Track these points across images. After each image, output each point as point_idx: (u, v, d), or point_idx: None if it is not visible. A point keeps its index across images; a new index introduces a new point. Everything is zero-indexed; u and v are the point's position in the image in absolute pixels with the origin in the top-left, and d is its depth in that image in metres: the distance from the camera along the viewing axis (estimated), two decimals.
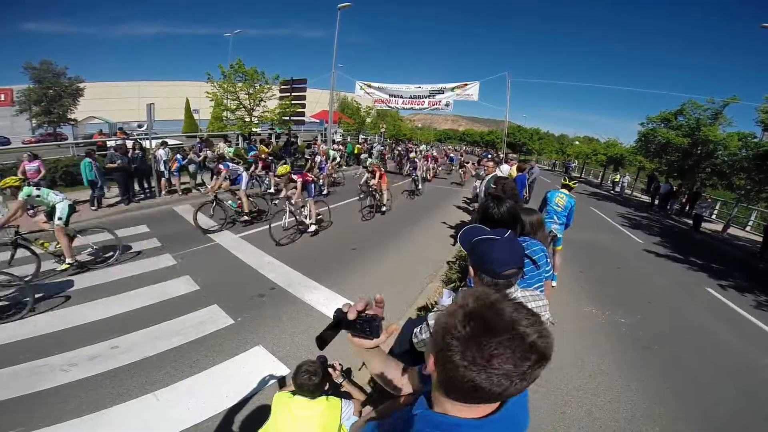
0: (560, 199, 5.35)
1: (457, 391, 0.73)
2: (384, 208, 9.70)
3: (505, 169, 8.77)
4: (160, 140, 12.48)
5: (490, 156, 9.68)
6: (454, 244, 7.58)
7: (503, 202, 1.92)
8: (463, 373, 0.68)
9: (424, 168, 16.83)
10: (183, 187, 10.80)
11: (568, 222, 5.43)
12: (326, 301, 4.74)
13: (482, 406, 0.75)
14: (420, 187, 13.17)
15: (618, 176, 26.00)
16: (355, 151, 19.55)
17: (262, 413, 2.79)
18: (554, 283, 5.51)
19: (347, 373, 1.98)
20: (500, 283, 1.34)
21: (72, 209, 5.25)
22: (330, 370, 2.11)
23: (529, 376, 0.68)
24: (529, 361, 0.67)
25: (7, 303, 4.15)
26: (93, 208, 8.51)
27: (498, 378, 0.66)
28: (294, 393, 1.91)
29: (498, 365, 0.66)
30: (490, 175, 6.38)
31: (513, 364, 0.66)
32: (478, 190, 9.31)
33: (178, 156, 10.74)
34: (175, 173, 10.63)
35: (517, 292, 1.39)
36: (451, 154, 23.84)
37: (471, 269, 1.43)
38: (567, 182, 5.56)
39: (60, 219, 5.02)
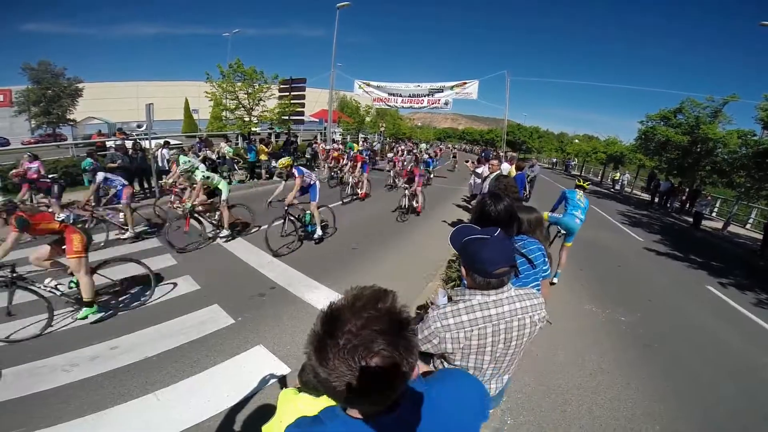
0: (581, 196, 5.52)
1: (318, 385, 0.74)
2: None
3: (506, 168, 8.77)
4: (162, 140, 12.50)
5: (492, 155, 9.63)
6: None
7: (500, 200, 1.91)
8: (312, 368, 0.71)
9: (351, 178, 11.10)
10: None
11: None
12: (327, 301, 4.59)
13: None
14: (318, 231, 6.85)
15: (618, 174, 26.00)
16: (355, 150, 19.50)
17: (264, 412, 2.79)
18: (555, 280, 5.53)
19: None
20: (492, 282, 1.34)
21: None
22: None
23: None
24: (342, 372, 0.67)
25: None
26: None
27: (334, 381, 0.68)
28: (299, 390, 1.91)
29: (333, 367, 0.67)
30: (495, 173, 6.37)
31: (347, 368, 0.67)
32: (474, 189, 9.30)
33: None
34: None
35: (510, 291, 1.39)
36: (426, 155, 16.74)
37: (463, 269, 1.43)
38: (581, 183, 5.73)
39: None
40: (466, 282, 1.45)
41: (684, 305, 5.95)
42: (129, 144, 10.63)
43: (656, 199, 19.38)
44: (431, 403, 0.83)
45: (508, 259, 1.34)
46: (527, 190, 9.68)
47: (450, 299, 1.50)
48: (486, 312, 1.35)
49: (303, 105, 18.78)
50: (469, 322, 1.34)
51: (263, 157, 13.81)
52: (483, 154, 11.45)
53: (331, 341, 0.68)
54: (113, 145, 11.32)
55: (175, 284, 4.94)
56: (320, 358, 0.69)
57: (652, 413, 3.24)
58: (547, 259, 2.13)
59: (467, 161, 9.78)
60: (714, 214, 16.79)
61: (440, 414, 0.84)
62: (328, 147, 16.58)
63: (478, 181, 8.35)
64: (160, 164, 10.73)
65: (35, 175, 8.12)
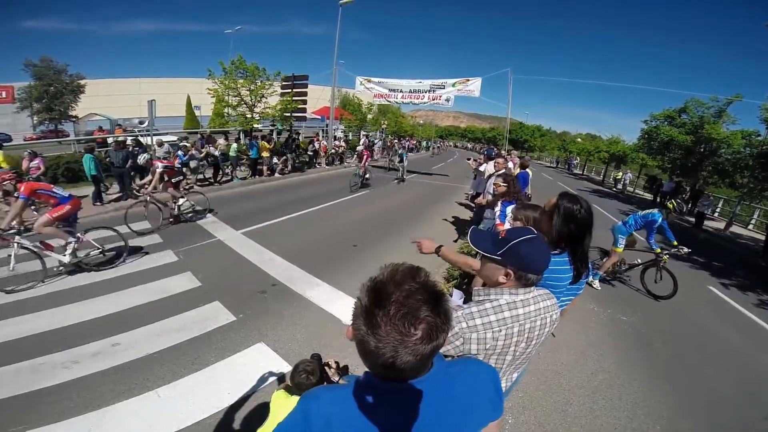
0: (649, 210, 6.05)
1: (361, 354, 0.80)
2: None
3: (509, 166, 8.73)
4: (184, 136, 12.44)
5: (494, 152, 9.57)
6: (455, 240, 7.57)
7: (578, 200, 1.93)
8: (361, 338, 0.76)
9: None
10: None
11: (650, 237, 5.96)
12: (328, 298, 4.74)
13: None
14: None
15: (620, 173, 25.92)
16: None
17: (264, 410, 2.78)
18: (597, 283, 6.01)
19: (344, 371, 1.98)
20: (531, 278, 1.36)
21: None
22: (325, 368, 2.10)
23: (412, 350, 0.73)
24: (410, 336, 0.73)
25: None
26: (97, 203, 8.54)
27: (384, 347, 0.73)
28: (291, 392, 1.91)
29: (384, 334, 0.73)
30: (501, 171, 6.34)
31: (398, 333, 0.73)
32: (476, 187, 9.25)
33: (180, 153, 10.75)
34: None
35: (535, 291, 1.40)
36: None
37: (504, 271, 1.38)
38: (668, 205, 6.12)
39: None
40: (488, 284, 1.44)
41: (685, 305, 5.93)
42: (129, 140, 10.60)
43: (658, 199, 19.31)
44: (449, 379, 0.90)
45: (549, 259, 1.38)
46: (529, 188, 9.64)
47: (467, 300, 1.49)
48: (514, 312, 1.34)
49: (305, 102, 18.74)
50: (497, 322, 1.32)
51: (265, 154, 13.82)
52: (485, 152, 11.41)
53: (380, 311, 0.74)
54: (112, 142, 11.35)
55: (175, 280, 4.97)
56: (371, 326, 0.74)
57: (653, 413, 3.23)
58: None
59: (469, 159, 9.75)
60: (716, 215, 16.72)
61: (455, 391, 0.90)
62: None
63: (481, 179, 8.31)
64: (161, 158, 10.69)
65: (36, 172, 8.15)
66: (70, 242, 4.95)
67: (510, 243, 1.37)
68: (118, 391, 2.96)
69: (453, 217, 9.69)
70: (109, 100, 37.02)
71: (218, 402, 2.90)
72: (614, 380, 3.64)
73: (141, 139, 12.34)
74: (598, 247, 6.29)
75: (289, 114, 18.10)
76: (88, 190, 8.86)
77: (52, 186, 5.07)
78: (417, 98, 20.51)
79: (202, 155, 11.73)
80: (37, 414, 2.69)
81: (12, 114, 30.14)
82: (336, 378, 2.12)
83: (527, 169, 8.76)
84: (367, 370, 0.85)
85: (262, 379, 3.16)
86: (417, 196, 12.67)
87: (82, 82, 29.60)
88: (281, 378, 3.22)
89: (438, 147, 43.89)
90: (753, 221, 15.15)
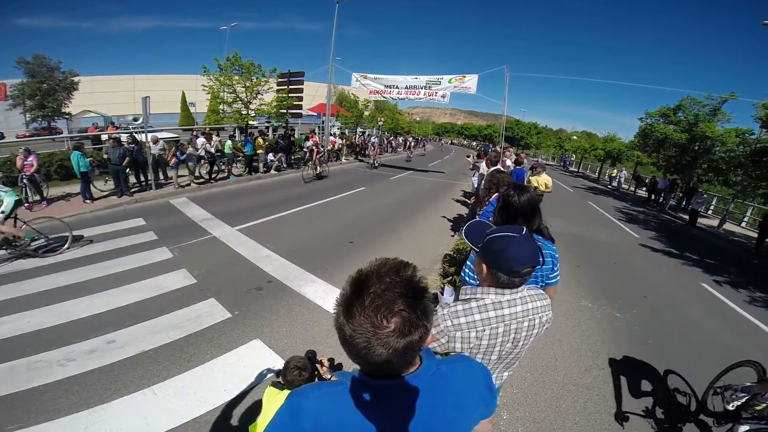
0: None
1: (341, 342, 0.80)
2: None
3: (507, 164, 8.74)
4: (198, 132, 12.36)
5: (491, 150, 9.55)
6: (453, 236, 7.60)
7: (524, 191, 1.91)
8: (339, 326, 0.78)
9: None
10: (182, 180, 10.84)
11: None
12: (324, 294, 4.74)
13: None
14: None
15: (615, 171, 26.10)
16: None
17: (260, 407, 2.80)
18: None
19: (337, 369, 1.98)
20: (515, 281, 1.30)
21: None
22: (317, 366, 2.11)
23: (384, 342, 0.74)
24: (383, 329, 0.74)
25: None
26: (87, 201, 8.45)
27: (358, 337, 0.74)
28: (283, 388, 1.92)
29: (358, 324, 0.75)
30: (493, 168, 6.35)
31: (371, 324, 0.74)
32: (475, 185, 9.28)
33: (178, 152, 10.68)
34: (173, 167, 10.58)
35: (523, 291, 1.36)
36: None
37: (483, 267, 1.37)
38: None
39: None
40: (479, 279, 1.40)
41: (679, 302, 5.99)
42: (124, 137, 10.51)
43: (652, 196, 19.45)
44: (440, 376, 0.91)
45: (533, 259, 1.30)
46: None
47: (457, 297, 1.46)
48: (500, 311, 1.31)
49: (301, 99, 18.64)
50: (481, 321, 1.30)
51: (260, 151, 13.77)
52: (482, 149, 11.38)
53: (357, 301, 0.76)
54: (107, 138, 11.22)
55: (170, 277, 4.95)
56: (347, 315, 0.77)
57: (646, 410, 3.26)
58: (558, 265, 2.11)
59: (468, 156, 9.76)
60: (710, 212, 16.87)
61: (447, 388, 0.91)
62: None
63: (479, 174, 8.32)
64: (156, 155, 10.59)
65: (30, 170, 8.07)
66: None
67: (487, 236, 1.34)
68: (114, 389, 2.96)
69: (450, 213, 9.72)
70: (103, 97, 36.62)
71: (214, 399, 2.91)
72: (608, 377, 3.67)
73: (136, 135, 12.18)
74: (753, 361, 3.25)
75: (285, 111, 18.01)
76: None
77: None
78: (413, 94, 20.42)
79: (199, 152, 11.62)
80: (33, 412, 2.69)
81: (4, 111, 29.76)
82: (328, 376, 2.13)
83: (543, 174, 8.20)
84: (357, 367, 0.86)
85: (259, 376, 3.17)
86: (413, 193, 12.69)
87: (76, 79, 29.17)
88: (277, 374, 3.21)
89: (425, 143, 40.44)
90: (746, 219, 15.30)
